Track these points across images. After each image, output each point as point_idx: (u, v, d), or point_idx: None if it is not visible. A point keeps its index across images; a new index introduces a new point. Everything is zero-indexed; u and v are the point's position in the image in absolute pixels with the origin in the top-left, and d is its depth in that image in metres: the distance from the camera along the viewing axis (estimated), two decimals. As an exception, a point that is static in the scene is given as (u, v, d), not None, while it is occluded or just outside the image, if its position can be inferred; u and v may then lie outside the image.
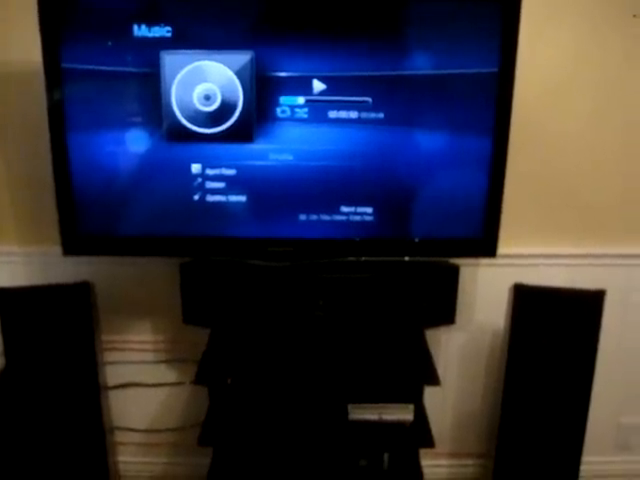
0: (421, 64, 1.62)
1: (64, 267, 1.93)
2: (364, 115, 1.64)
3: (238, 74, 1.61)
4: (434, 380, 1.77)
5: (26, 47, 1.72)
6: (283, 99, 1.63)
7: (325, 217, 1.72)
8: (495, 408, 2.05)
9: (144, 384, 2.16)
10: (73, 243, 1.75)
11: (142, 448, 2.25)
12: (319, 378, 1.78)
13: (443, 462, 2.27)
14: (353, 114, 1.64)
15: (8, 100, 1.91)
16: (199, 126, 1.65)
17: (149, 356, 2.14)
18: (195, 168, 1.68)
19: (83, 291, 1.85)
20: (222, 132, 1.65)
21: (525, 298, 1.87)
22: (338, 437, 1.79)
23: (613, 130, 1.95)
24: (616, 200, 2.01)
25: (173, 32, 1.59)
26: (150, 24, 1.58)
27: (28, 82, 1.80)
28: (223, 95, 1.63)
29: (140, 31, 1.59)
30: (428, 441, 1.81)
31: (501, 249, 1.76)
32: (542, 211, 2.01)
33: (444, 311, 1.84)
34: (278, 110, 1.63)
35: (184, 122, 1.64)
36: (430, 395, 1.96)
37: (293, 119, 1.64)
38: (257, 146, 1.66)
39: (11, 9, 1.82)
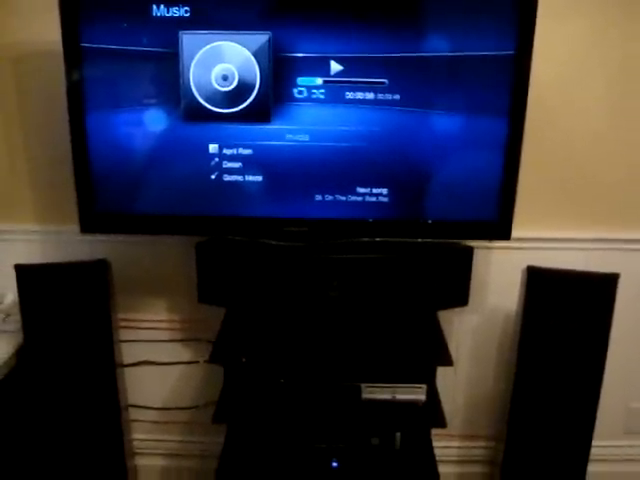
0: (438, 46, 1.61)
1: (81, 245, 1.96)
2: (380, 96, 1.64)
3: (255, 55, 1.62)
4: (447, 361, 1.79)
5: (46, 27, 1.74)
6: (300, 80, 1.63)
7: (340, 198, 1.73)
8: (507, 390, 2.06)
9: (159, 362, 2.19)
10: (90, 221, 1.77)
11: (157, 426, 2.28)
12: (333, 358, 1.80)
13: (454, 444, 2.29)
14: (369, 95, 1.64)
15: (27, 79, 1.93)
16: (217, 106, 1.66)
17: (164, 335, 2.16)
18: (212, 148, 1.69)
19: (100, 269, 1.87)
20: (239, 112, 1.66)
21: (538, 281, 1.87)
22: (351, 416, 1.80)
23: (630, 113, 1.94)
24: (632, 184, 2.01)
25: (191, 12, 1.60)
26: (169, 4, 1.59)
27: (47, 61, 1.82)
28: (240, 75, 1.64)
29: (159, 11, 1.60)
30: (440, 421, 1.82)
31: (515, 232, 1.76)
32: (556, 194, 2.01)
33: (457, 293, 1.84)
34: (295, 91, 1.64)
35: (202, 102, 1.65)
36: (442, 377, 1.98)
37: (310, 100, 1.64)
38: (274, 126, 1.67)
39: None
